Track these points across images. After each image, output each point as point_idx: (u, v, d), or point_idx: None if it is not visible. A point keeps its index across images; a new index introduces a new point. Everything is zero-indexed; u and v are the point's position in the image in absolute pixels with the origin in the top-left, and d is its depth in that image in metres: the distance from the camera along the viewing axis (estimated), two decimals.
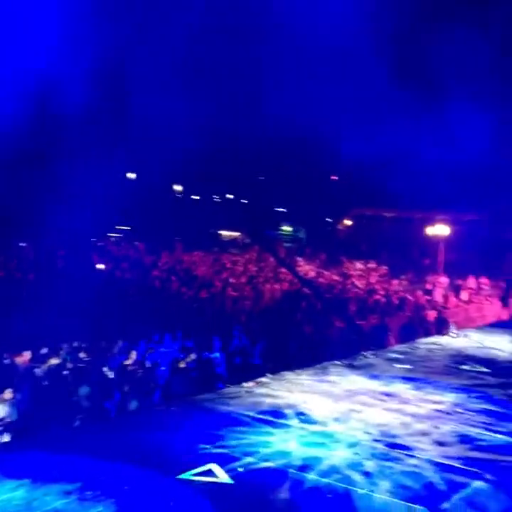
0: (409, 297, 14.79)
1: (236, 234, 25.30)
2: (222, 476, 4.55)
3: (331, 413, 6.11)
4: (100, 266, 14.70)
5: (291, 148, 21.27)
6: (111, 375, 6.69)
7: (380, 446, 5.30)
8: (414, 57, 16.15)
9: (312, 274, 16.59)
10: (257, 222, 25.84)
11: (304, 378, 7.42)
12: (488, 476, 4.73)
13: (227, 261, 17.26)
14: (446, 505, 4.25)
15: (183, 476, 4.48)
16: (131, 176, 24.16)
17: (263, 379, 7.26)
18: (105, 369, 6.75)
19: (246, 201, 29.21)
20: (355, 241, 24.00)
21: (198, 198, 28.82)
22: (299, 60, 15.81)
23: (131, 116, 13.76)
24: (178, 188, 28.51)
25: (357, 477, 4.65)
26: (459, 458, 5.08)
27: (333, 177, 28.45)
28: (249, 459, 4.87)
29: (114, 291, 12.07)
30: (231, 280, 14.44)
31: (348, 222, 27.53)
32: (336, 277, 16.44)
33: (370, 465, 4.88)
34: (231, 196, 30.02)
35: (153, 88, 14.08)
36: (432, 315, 13.65)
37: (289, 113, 15.55)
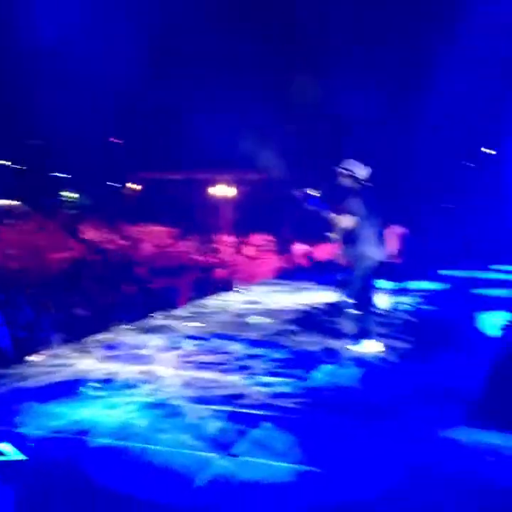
0: (198, 257, 15.12)
1: (13, 203, 23.72)
2: (14, 454, 4.33)
3: (122, 376, 6.06)
4: None
5: (67, 111, 20.37)
6: None
7: (172, 403, 5.38)
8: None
9: (98, 239, 16.21)
10: (35, 189, 24.49)
11: (93, 345, 7.28)
12: (271, 416, 5.04)
13: (3, 231, 16.20)
14: (234, 450, 4.45)
15: None
16: None
17: (52, 350, 7.00)
18: None
19: (22, 167, 27.47)
20: (141, 204, 23.88)
21: None
22: None
23: None
24: None
25: (150, 434, 4.68)
26: (248, 405, 5.33)
27: (116, 140, 27.86)
28: (41, 432, 4.68)
29: None
30: (10, 251, 13.61)
31: (134, 186, 27.27)
32: (123, 241, 16.26)
33: (163, 422, 4.94)
34: (4, 162, 27.94)
35: None
36: (219, 273, 14.10)
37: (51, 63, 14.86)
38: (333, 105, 16.13)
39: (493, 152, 15.61)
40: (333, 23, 16.33)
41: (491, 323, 8.25)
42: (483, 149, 15.94)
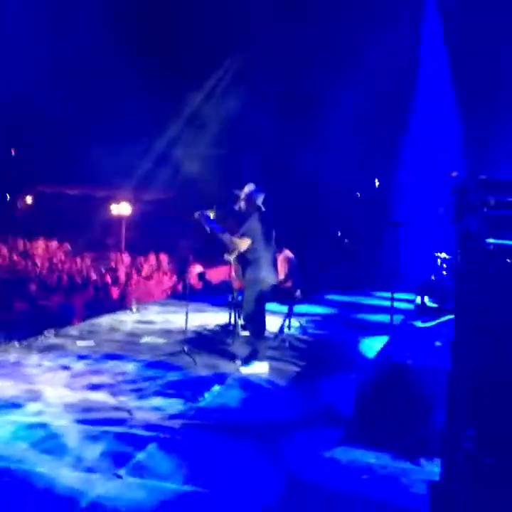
0: (93, 275, 14.91)
1: None
2: None
3: (7, 395, 5.96)
4: None
5: None
6: None
7: (60, 423, 5.35)
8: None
9: None
10: None
11: None
12: (160, 438, 5.13)
13: None
14: (121, 471, 4.50)
15: None
16: None
17: None
18: None
19: None
20: (36, 219, 23.24)
21: None
22: None
23: None
24: None
25: (40, 457, 4.65)
26: (136, 426, 5.39)
27: (12, 151, 27.02)
28: None
29: None
30: None
31: (28, 200, 26.50)
32: (15, 257, 15.80)
33: (50, 443, 4.91)
34: None
35: None
36: (115, 292, 13.97)
37: None
38: (231, 130, 16.47)
39: (378, 183, 16.47)
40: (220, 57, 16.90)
41: (370, 346, 8.72)
42: (376, 181, 16.76)
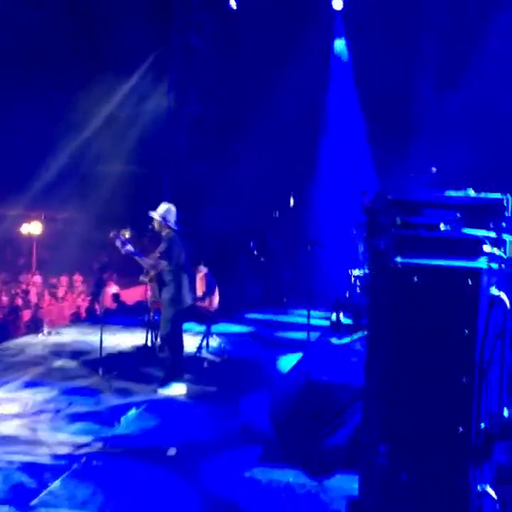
0: (3, 298, 14.37)
1: None
2: None
3: None
4: None
5: None
6: None
7: None
8: None
9: None
10: None
11: None
12: (74, 466, 4.98)
13: None
14: (34, 501, 4.34)
15: None
16: None
17: None
18: None
19: None
20: None
21: None
22: None
23: None
24: None
25: None
26: (48, 454, 5.21)
27: None
28: None
29: None
30: None
31: None
32: None
33: None
34: None
35: None
36: (26, 314, 13.50)
37: None
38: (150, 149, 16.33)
39: (293, 202, 16.80)
40: None
41: (287, 363, 8.81)
42: (291, 199, 17.05)
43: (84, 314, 13.77)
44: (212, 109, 15.66)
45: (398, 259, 2.92)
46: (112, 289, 14.31)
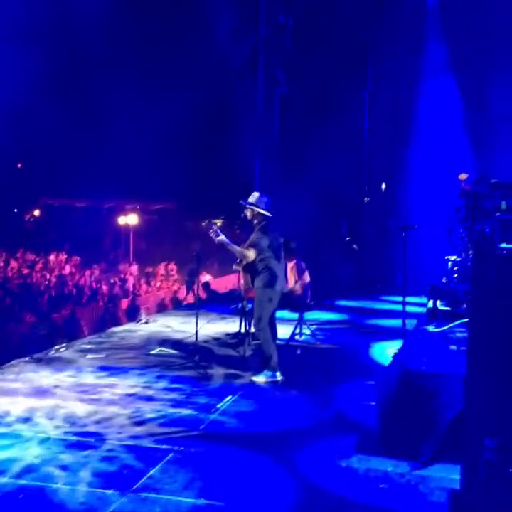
0: (102, 287, 14.93)
1: None
2: None
3: (19, 412, 5.94)
4: None
5: None
6: None
7: (73, 438, 5.32)
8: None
9: None
10: None
11: None
12: (173, 451, 5.09)
13: None
14: (136, 485, 4.46)
15: None
16: None
17: None
18: None
19: None
20: (44, 232, 23.29)
21: None
22: None
23: None
24: None
25: (55, 473, 4.63)
26: (151, 440, 5.35)
27: (18, 164, 27.14)
28: None
29: None
30: None
31: (36, 213, 26.58)
32: (25, 270, 15.83)
33: (65, 458, 4.89)
34: None
35: None
36: (124, 303, 13.98)
37: None
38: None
39: (385, 186, 16.44)
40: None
41: (382, 352, 8.65)
42: (383, 184, 16.71)
43: (180, 302, 14.10)
44: (300, 89, 15.42)
45: (504, 244, 2.78)
46: (206, 277, 14.56)
